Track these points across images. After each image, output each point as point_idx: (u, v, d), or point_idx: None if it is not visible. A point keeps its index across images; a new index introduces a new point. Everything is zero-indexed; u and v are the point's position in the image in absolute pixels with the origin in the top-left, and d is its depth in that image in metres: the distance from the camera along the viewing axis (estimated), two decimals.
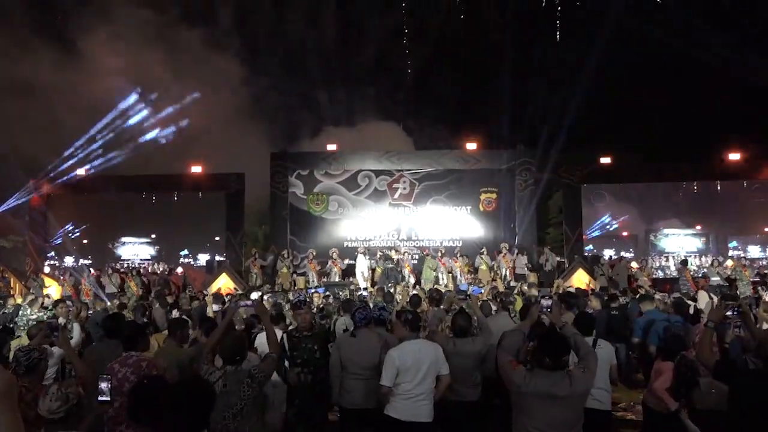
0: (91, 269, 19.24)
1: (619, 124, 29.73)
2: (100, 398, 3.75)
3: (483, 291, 15.26)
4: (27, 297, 12.85)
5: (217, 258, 21.83)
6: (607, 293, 11.08)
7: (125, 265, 20.68)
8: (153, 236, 27.51)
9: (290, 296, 12.86)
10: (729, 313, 4.73)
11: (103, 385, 3.74)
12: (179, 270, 20.09)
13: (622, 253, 22.03)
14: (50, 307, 10.93)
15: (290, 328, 6.58)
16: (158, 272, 19.38)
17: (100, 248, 24.58)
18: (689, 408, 5.24)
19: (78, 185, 21.11)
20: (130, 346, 4.81)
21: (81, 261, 20.24)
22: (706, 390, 5.08)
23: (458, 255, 18.89)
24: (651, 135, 28.54)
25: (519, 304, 9.07)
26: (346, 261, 19.19)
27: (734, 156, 21.37)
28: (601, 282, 16.34)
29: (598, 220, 28.01)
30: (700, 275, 17.31)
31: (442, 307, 9.19)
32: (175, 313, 10.10)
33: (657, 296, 10.78)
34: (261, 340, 6.65)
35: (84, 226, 22.11)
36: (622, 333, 8.93)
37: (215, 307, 9.13)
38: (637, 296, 9.96)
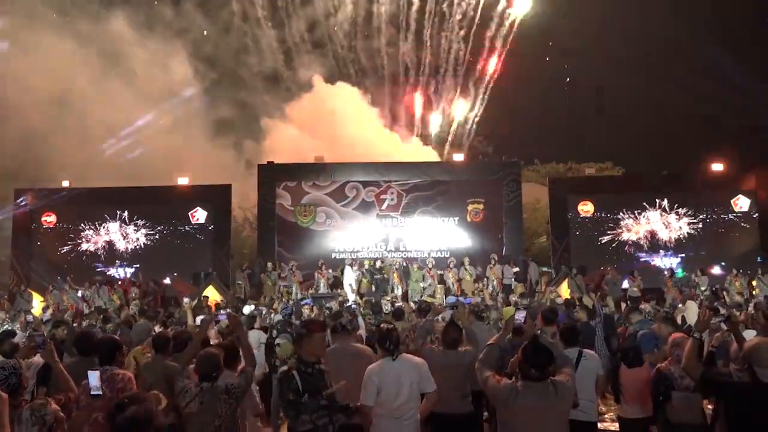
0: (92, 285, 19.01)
1: (604, 136, 30.22)
2: (92, 393, 3.70)
3: (471, 301, 15.31)
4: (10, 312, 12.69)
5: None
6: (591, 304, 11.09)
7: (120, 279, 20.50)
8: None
9: (276, 308, 12.78)
10: (717, 320, 4.76)
11: (93, 380, 3.69)
12: (167, 281, 19.90)
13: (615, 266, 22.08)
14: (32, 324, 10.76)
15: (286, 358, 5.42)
16: (139, 284, 19.18)
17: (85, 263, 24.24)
18: (663, 421, 5.25)
19: (63, 197, 20.99)
20: (106, 361, 4.75)
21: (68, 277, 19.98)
22: (678, 404, 5.10)
23: (451, 266, 18.88)
24: (635, 146, 29.02)
25: (509, 313, 9.06)
26: (331, 272, 19.10)
27: (717, 167, 21.70)
28: (577, 292, 16.39)
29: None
30: (685, 286, 17.42)
31: (429, 318, 9.17)
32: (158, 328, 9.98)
33: (647, 307, 10.80)
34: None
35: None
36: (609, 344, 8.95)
37: (198, 320, 9.07)
38: (624, 309, 9.99)
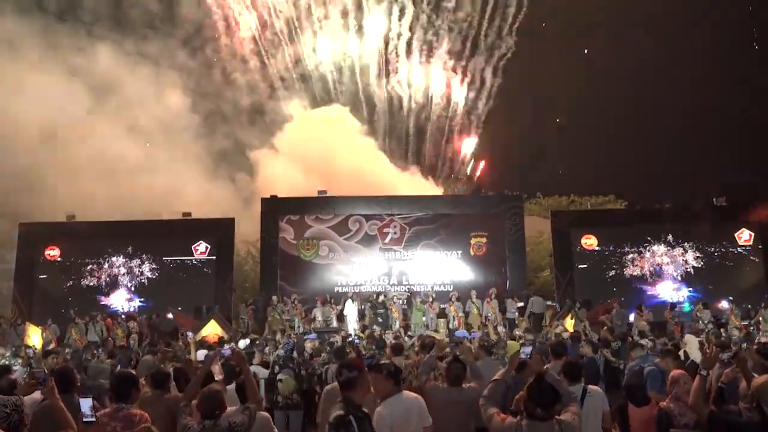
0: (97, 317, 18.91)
1: (606, 169, 30.33)
2: (84, 420, 3.67)
3: (476, 336, 15.18)
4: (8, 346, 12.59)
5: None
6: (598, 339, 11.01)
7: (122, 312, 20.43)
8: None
9: (278, 339, 12.67)
10: (723, 357, 4.71)
11: (86, 407, 3.67)
12: (169, 315, 19.81)
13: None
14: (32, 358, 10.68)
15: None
16: (137, 318, 19.10)
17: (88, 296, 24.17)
18: None
19: (66, 231, 21.08)
20: (123, 398, 4.67)
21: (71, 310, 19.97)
22: None
23: (452, 299, 18.78)
24: (638, 179, 29.10)
25: (514, 348, 8.98)
26: (338, 307, 19.03)
27: (720, 200, 21.70)
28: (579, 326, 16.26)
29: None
30: (686, 319, 17.31)
31: (433, 354, 9.08)
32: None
33: (647, 342, 10.68)
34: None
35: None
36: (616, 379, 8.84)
37: (200, 355, 8.99)
38: (627, 343, 9.88)
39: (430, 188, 30.90)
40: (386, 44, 32.93)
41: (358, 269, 21.53)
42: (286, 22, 32.24)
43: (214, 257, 21.15)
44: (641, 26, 31.20)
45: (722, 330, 15.72)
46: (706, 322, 16.44)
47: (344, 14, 32.21)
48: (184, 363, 8.13)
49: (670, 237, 21.19)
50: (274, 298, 19.11)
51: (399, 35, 32.46)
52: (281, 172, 29.50)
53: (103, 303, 20.86)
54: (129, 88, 28.56)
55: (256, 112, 32.53)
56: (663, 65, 30.74)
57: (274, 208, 21.61)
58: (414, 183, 30.64)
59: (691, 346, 10.42)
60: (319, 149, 29.80)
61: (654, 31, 31.12)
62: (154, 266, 21.24)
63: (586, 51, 32.33)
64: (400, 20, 32.21)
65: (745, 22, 30.71)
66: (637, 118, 32.22)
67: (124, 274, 21.21)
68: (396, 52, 32.93)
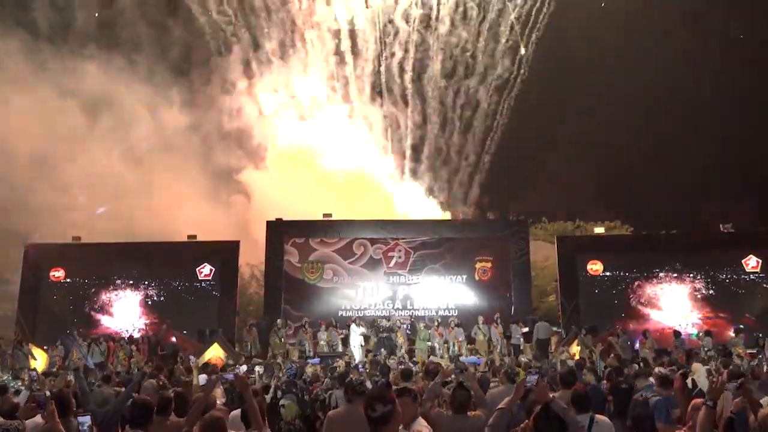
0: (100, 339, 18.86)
1: (613, 195, 30.25)
2: None
3: (482, 362, 15.08)
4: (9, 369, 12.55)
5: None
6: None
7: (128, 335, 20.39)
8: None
9: (282, 366, 12.60)
10: (729, 387, 4.64)
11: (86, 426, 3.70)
12: (173, 339, 19.75)
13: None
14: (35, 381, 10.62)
15: None
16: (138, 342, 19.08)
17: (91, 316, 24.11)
18: None
19: (72, 253, 21.13)
20: (140, 425, 4.63)
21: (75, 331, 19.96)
22: None
23: (453, 325, 18.68)
24: (643, 206, 28.99)
25: (522, 376, 8.89)
26: (343, 331, 18.95)
27: (726, 226, 21.59)
28: (585, 353, 16.13)
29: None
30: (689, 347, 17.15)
31: (437, 380, 9.00)
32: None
33: (659, 370, 10.55)
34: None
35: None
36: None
37: (201, 379, 8.94)
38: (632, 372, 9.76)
39: (432, 206, 30.97)
40: (378, 66, 33.19)
41: (362, 293, 21.45)
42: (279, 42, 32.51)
43: (218, 280, 21.13)
44: (648, 51, 31.36)
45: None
46: (707, 350, 16.28)
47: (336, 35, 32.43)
48: (184, 386, 8.07)
49: (676, 263, 21.05)
50: (279, 321, 19.04)
51: (392, 54, 32.70)
52: (276, 192, 29.59)
53: (106, 325, 20.83)
54: (122, 107, 28.64)
55: (243, 134, 32.52)
56: (668, 91, 30.83)
57: (279, 231, 21.63)
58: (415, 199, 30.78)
59: (700, 375, 10.29)
60: (313, 165, 29.99)
61: (658, 55, 31.27)
62: (158, 288, 21.23)
63: (592, 73, 32.47)
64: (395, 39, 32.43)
65: (747, 44, 30.81)
66: (643, 144, 32.26)
67: (128, 296, 21.20)
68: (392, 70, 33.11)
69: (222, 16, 31.46)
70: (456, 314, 20.40)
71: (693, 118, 30.62)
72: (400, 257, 21.67)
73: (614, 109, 31.58)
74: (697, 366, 10.97)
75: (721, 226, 21.64)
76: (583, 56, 31.94)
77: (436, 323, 18.76)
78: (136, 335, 20.07)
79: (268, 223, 21.80)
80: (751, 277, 20.82)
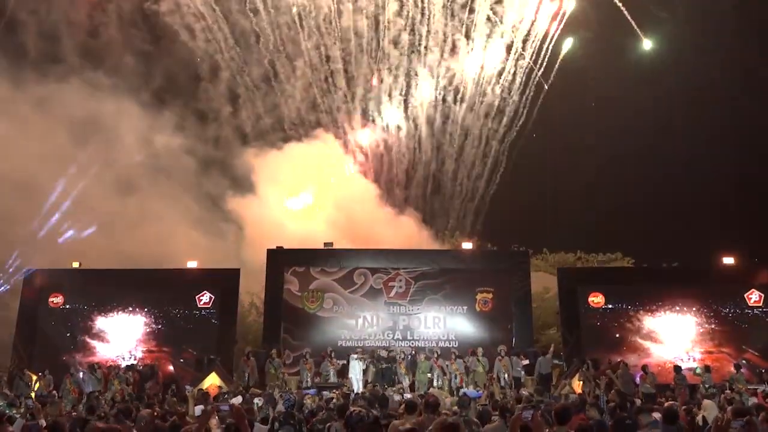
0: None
1: (615, 226, 30.25)
2: None
3: (482, 395, 14.87)
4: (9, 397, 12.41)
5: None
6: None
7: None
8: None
9: (277, 397, 12.43)
10: (735, 425, 4.58)
11: None
12: (170, 368, 19.59)
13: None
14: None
15: None
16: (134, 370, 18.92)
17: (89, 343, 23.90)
18: None
19: (72, 279, 21.09)
20: None
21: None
22: None
23: (454, 357, 18.50)
24: (645, 238, 28.98)
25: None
26: (339, 362, 18.78)
27: (728, 260, 21.55)
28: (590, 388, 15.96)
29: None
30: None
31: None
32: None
33: (671, 403, 10.41)
34: None
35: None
36: None
37: (197, 410, 8.82)
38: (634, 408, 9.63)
39: (428, 236, 31.02)
40: (366, 94, 33.57)
41: (362, 323, 21.29)
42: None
43: (218, 308, 21.01)
44: (648, 83, 31.70)
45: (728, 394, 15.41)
46: (707, 386, 16.09)
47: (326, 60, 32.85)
48: (178, 417, 7.98)
49: (678, 297, 20.93)
50: (273, 351, 18.87)
51: (381, 80, 33.11)
52: (268, 219, 29.64)
53: (103, 352, 20.66)
54: (111, 131, 28.81)
55: (232, 160, 32.68)
56: (669, 122, 31.12)
57: (280, 260, 21.59)
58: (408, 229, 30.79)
59: (710, 412, 10.16)
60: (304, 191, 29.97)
61: (658, 89, 31.59)
62: (157, 316, 21.11)
63: (593, 104, 32.79)
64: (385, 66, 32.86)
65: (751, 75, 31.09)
66: (644, 176, 32.37)
67: (126, 323, 21.07)
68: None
69: (210, 43, 31.94)
70: (457, 345, 20.24)
71: (695, 151, 30.84)
72: (400, 287, 21.57)
73: (616, 142, 31.81)
74: (707, 403, 10.85)
75: (723, 259, 21.58)
76: (586, 91, 32.36)
77: (435, 355, 18.59)
78: (131, 363, 19.91)
79: (269, 251, 21.75)
80: (754, 311, 20.67)
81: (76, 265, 21.12)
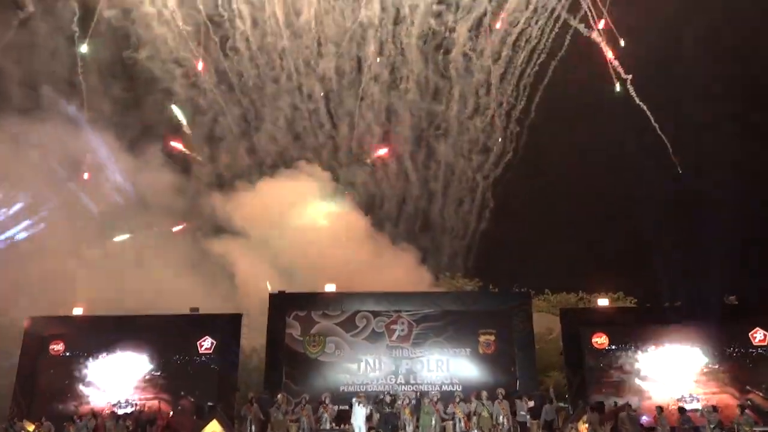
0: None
1: (617, 266, 30.17)
2: None
3: None
4: None
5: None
6: None
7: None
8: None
9: None
10: None
11: None
12: (170, 415, 19.34)
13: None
14: None
15: None
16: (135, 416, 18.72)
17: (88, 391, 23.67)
18: None
19: (73, 325, 21.07)
20: None
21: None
22: None
23: (458, 401, 18.27)
24: (646, 277, 28.87)
25: None
26: (337, 407, 18.53)
27: (731, 299, 21.45)
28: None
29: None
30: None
31: None
32: None
33: None
34: None
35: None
36: None
37: None
38: None
39: (424, 276, 31.02)
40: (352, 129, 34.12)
41: (365, 367, 21.13)
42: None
43: (219, 353, 20.88)
44: (650, 109, 32.07)
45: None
46: (713, 427, 15.90)
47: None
48: None
49: (681, 336, 20.82)
50: (279, 397, 18.64)
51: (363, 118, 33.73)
52: (260, 262, 29.68)
53: (102, 400, 20.44)
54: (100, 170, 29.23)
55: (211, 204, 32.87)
56: (672, 161, 31.39)
57: (281, 304, 21.57)
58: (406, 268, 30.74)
59: None
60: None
61: (658, 123, 31.94)
62: (158, 362, 20.96)
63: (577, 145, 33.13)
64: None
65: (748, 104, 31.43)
66: (644, 214, 32.42)
67: (126, 370, 20.92)
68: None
69: (192, 88, 32.49)
70: (460, 389, 20.02)
71: (694, 188, 31.01)
72: (403, 330, 21.48)
73: (615, 180, 32.03)
74: None
75: (725, 298, 21.54)
76: (574, 124, 32.64)
77: (435, 399, 18.38)
78: (130, 410, 19.71)
79: (271, 295, 21.79)
80: (758, 351, 20.52)
81: (77, 311, 21.11)
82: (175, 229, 30.73)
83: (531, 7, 31.27)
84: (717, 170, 30.77)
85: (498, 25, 31.54)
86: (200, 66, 31.44)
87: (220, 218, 32.12)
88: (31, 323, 21.15)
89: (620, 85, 30.58)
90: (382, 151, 34.28)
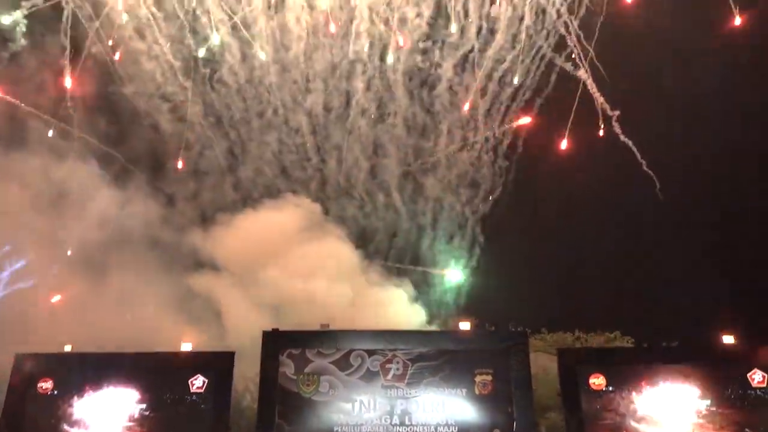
0: None
1: (613, 304, 30.09)
2: None
3: None
4: None
5: None
6: None
7: None
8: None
9: None
10: None
11: None
12: None
13: None
14: None
15: None
16: None
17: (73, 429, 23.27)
18: None
19: (62, 363, 20.77)
20: None
21: None
22: None
23: None
24: (646, 316, 28.80)
25: None
26: None
27: (728, 339, 21.36)
28: None
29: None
30: None
31: None
32: None
33: None
34: None
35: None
36: None
37: None
38: None
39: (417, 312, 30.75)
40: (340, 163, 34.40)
41: (359, 407, 20.77)
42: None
43: (211, 392, 20.52)
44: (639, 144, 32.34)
45: None
46: None
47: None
48: None
49: (678, 377, 20.64)
50: None
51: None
52: (243, 298, 29.44)
53: None
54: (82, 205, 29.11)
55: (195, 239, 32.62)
56: (666, 201, 31.55)
57: (276, 343, 21.28)
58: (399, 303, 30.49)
59: None
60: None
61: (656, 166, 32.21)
62: (149, 401, 20.59)
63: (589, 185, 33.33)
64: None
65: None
66: (642, 252, 32.44)
67: (115, 409, 20.55)
68: None
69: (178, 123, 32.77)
70: (457, 430, 19.72)
71: (692, 228, 31.10)
72: (398, 369, 21.21)
73: (611, 219, 32.07)
74: None
75: (723, 338, 21.42)
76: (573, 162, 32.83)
77: None
78: None
79: (264, 333, 21.49)
80: (757, 392, 20.33)
81: (68, 348, 20.87)
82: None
83: (518, 46, 32.01)
84: (711, 205, 30.93)
85: (484, 63, 32.19)
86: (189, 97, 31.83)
87: (206, 253, 31.80)
88: (18, 360, 20.82)
89: (605, 123, 31.12)
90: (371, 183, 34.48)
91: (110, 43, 30.93)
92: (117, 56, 31.20)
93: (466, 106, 33.07)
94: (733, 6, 28.85)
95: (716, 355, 21.43)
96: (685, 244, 31.01)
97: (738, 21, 29.12)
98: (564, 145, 32.16)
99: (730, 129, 30.70)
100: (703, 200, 30.74)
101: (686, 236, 31.23)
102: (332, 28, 31.80)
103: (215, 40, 31.37)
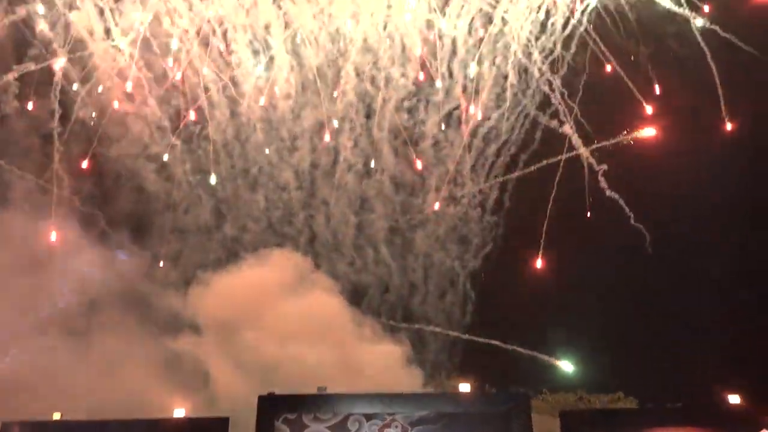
0: None
1: (617, 364, 29.63)
2: None
3: None
4: None
5: None
6: None
7: None
8: None
9: None
10: None
11: None
12: None
13: None
14: None
15: None
16: None
17: None
18: None
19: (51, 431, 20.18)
20: None
21: None
22: None
23: None
24: (647, 375, 28.34)
25: None
26: None
27: (734, 399, 20.98)
28: None
29: None
30: None
31: None
32: None
33: None
34: None
35: None
36: None
37: None
38: None
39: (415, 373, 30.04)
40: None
41: None
42: None
43: None
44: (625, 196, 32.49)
45: None
46: None
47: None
48: None
49: None
50: None
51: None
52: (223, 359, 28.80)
53: None
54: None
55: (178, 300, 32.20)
56: (669, 256, 31.48)
57: (271, 406, 20.70)
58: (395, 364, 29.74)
59: None
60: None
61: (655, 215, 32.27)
62: None
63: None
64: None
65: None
66: (643, 311, 32.10)
67: None
68: None
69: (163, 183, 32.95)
70: None
71: (693, 286, 30.91)
72: None
73: (612, 279, 31.87)
74: None
75: (729, 398, 21.04)
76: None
77: None
78: None
79: (260, 398, 20.94)
80: None
81: (57, 416, 20.14)
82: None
83: (504, 104, 32.74)
84: (711, 263, 30.88)
85: (470, 121, 32.83)
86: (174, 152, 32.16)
87: (192, 315, 31.20)
88: (5, 429, 20.07)
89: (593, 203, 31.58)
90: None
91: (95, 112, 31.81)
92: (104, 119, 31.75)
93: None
94: None
95: (722, 415, 20.95)
96: (687, 302, 30.77)
97: None
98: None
99: (723, 183, 31.11)
100: (702, 257, 30.79)
101: (688, 294, 31.01)
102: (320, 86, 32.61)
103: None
